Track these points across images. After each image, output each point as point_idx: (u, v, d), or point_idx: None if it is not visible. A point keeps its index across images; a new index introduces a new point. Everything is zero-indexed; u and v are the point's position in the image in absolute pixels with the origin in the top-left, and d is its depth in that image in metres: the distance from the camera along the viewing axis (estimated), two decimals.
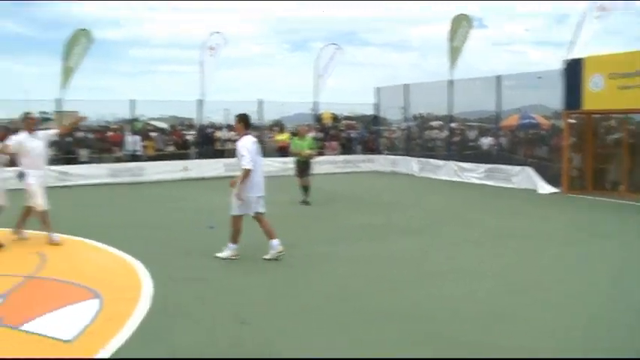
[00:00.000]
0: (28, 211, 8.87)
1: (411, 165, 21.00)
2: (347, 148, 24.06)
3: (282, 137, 22.27)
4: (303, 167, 13.45)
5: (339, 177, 20.32)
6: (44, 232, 8.69)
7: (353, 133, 25.03)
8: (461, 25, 20.45)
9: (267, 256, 7.74)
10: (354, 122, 26.90)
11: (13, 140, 8.63)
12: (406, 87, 21.89)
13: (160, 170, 19.17)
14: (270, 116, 25.22)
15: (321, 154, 22.68)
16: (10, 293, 6.25)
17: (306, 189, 13.30)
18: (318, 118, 24.69)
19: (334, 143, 23.96)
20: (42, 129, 9.26)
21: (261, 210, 7.87)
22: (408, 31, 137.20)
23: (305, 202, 13.12)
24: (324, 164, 21.58)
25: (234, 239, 7.84)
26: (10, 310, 5.66)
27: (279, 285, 6.69)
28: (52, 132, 9.37)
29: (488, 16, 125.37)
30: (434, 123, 22.98)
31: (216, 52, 21.11)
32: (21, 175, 8.59)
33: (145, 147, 19.96)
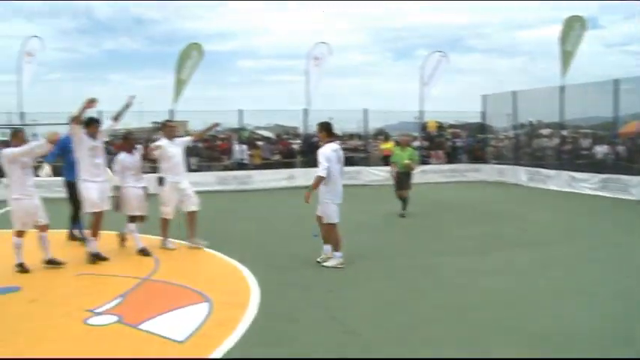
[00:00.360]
0: (192, 216, 9.11)
1: (519, 174, 20.24)
2: (452, 157, 23.60)
3: (387, 146, 22.17)
4: (403, 178, 12.85)
5: (445, 186, 19.96)
6: (161, 237, 9.06)
7: (459, 142, 24.54)
8: (573, 27, 19.56)
9: (326, 263, 7.92)
10: (459, 130, 26.38)
11: (156, 146, 8.90)
12: (514, 94, 21.18)
13: (266, 178, 19.65)
14: (374, 125, 25.22)
15: (425, 163, 22.42)
16: (128, 294, 6.61)
17: (404, 201, 12.76)
18: (423, 127, 24.39)
19: (440, 152, 23.59)
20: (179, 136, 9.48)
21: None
22: (516, 36, 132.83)
23: (401, 215, 12.55)
24: (429, 173, 21.30)
25: (337, 247, 7.89)
26: (128, 310, 5.97)
27: (385, 295, 6.62)
28: (189, 139, 9.63)
29: (601, 16, 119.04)
30: (543, 131, 22.09)
31: (322, 62, 21.44)
32: (161, 181, 8.89)
33: (251, 156, 20.52)
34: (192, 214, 9.06)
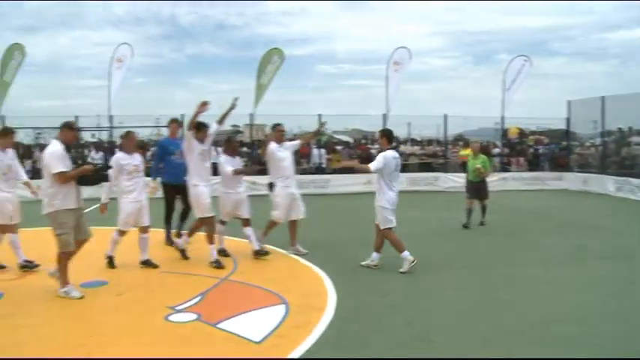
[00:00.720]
0: (294, 224, 9.15)
1: (606, 184, 19.32)
2: (534, 164, 22.91)
3: (466, 152, 21.76)
4: (475, 187, 12.19)
5: (526, 195, 19.36)
6: (260, 239, 8.93)
7: (541, 149, 23.79)
8: None
9: (363, 263, 8.11)
10: (542, 137, 25.57)
11: (268, 149, 8.87)
12: (602, 99, 20.26)
13: (343, 183, 19.67)
14: (453, 130, 24.82)
15: (506, 170, 21.86)
16: (207, 293, 6.77)
17: (469, 212, 12.02)
18: (504, 133, 23.80)
19: (521, 159, 22.96)
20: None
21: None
22: (606, 38, 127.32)
23: (465, 226, 11.80)
24: (510, 181, 20.80)
25: (401, 249, 7.93)
26: (207, 308, 6.12)
27: (463, 304, 6.48)
28: (298, 142, 9.57)
29: None
30: (634, 138, 21.12)
31: (401, 67, 21.27)
32: (271, 186, 8.88)
33: (329, 160, 20.61)
34: (296, 222, 9.08)
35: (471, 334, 5.46)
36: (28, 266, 7.94)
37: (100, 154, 21.27)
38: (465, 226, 11.75)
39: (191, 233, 8.61)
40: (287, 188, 8.87)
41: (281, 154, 8.83)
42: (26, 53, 20.07)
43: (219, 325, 5.55)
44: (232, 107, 8.41)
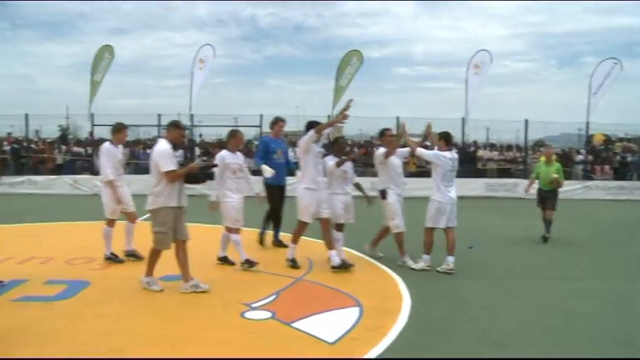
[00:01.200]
0: (386, 230, 8.91)
1: None
2: (621, 173, 21.91)
3: None
4: (547, 196, 11.25)
5: (611, 204, 18.55)
6: (401, 254, 8.60)
7: (629, 157, 22.73)
8: None
9: (439, 269, 8.01)
10: (631, 145, 24.44)
11: (381, 155, 8.55)
12: None
13: (420, 187, 19.34)
14: (533, 136, 24.10)
15: (589, 178, 21.00)
16: (281, 292, 6.83)
17: (548, 222, 11.11)
18: (588, 140, 22.90)
19: (606, 167, 22.03)
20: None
21: (451, 224, 8.19)
22: None
23: (544, 239, 10.90)
24: (593, 190, 20.02)
25: (428, 251, 8.09)
26: (282, 307, 6.16)
27: (543, 316, 6.22)
28: (407, 150, 8.83)
29: None
30: None
31: (482, 70, 20.79)
32: (383, 194, 8.60)
33: (406, 163, 20.38)
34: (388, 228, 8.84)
35: (548, 348, 5.26)
36: (112, 259, 8.30)
37: (180, 151, 21.88)
38: (544, 239, 10.86)
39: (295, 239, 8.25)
40: (399, 196, 8.68)
41: (393, 160, 8.59)
42: (115, 54, 20.92)
43: (293, 324, 5.58)
44: (346, 109, 7.98)
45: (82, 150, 23.13)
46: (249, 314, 5.93)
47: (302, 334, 5.36)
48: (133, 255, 8.43)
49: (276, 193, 9.45)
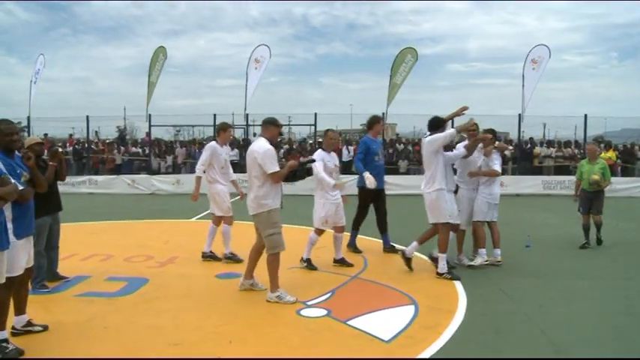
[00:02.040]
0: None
1: None
2: None
3: (608, 155, 20.43)
4: (591, 198, 9.85)
5: None
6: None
7: None
8: None
9: (474, 263, 8.01)
10: None
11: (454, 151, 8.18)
12: None
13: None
14: (592, 132, 23.39)
15: None
16: (337, 290, 6.85)
17: (587, 229, 9.85)
18: None
19: None
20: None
21: (494, 219, 8.22)
22: None
23: (583, 246, 9.67)
24: None
25: (482, 244, 8.02)
26: (337, 305, 6.18)
27: (600, 316, 6.05)
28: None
29: None
30: None
31: (539, 66, 20.21)
32: (456, 191, 8.24)
33: None
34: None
35: (606, 349, 5.11)
36: (232, 258, 8.37)
37: (235, 151, 22.21)
38: (584, 247, 9.64)
39: (422, 242, 7.90)
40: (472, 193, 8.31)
41: (479, 160, 8.24)
42: (168, 55, 21.34)
43: (348, 322, 5.59)
44: (457, 114, 8.03)
45: (139, 150, 23.72)
46: (305, 312, 5.97)
47: (357, 331, 5.36)
48: (231, 258, 8.37)
49: (369, 197, 8.84)
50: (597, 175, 9.60)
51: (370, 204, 9.00)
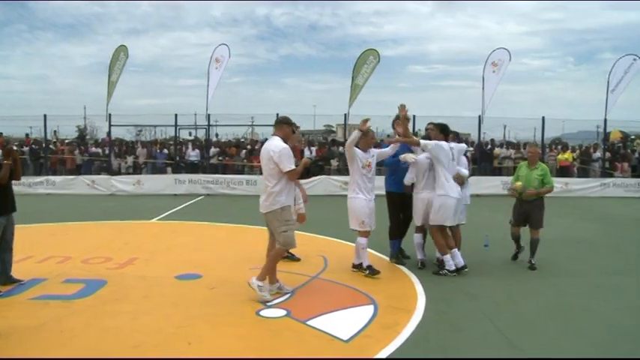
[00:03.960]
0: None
1: None
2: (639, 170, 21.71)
3: (565, 156, 20.96)
4: (523, 210, 8.48)
5: (629, 202, 18.35)
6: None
7: None
8: None
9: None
10: None
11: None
12: None
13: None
14: (550, 134, 23.91)
15: (609, 175, 20.78)
16: (297, 290, 6.86)
17: (517, 240, 8.69)
18: (606, 137, 22.67)
19: (624, 164, 21.82)
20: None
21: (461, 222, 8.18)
22: None
23: (515, 256, 8.73)
24: (611, 187, 19.84)
25: (444, 251, 7.84)
26: (297, 305, 6.19)
27: (555, 313, 6.20)
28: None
29: None
30: None
31: (500, 68, 20.56)
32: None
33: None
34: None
35: (561, 345, 5.24)
36: (291, 258, 8.29)
37: (196, 151, 22.06)
38: (515, 257, 8.75)
39: None
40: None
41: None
42: (129, 54, 21.06)
43: (308, 322, 5.61)
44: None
45: (99, 150, 23.35)
46: (265, 312, 5.97)
47: (317, 331, 5.38)
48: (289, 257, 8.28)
49: (397, 202, 8.42)
50: (531, 188, 8.26)
51: (399, 207, 8.43)
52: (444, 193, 7.65)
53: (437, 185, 7.73)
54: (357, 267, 7.81)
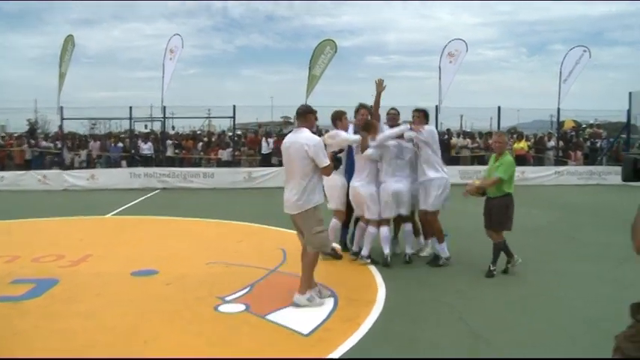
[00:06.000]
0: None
1: None
2: (591, 158, 22.23)
3: (520, 145, 21.30)
4: (486, 208, 7.46)
5: (582, 189, 18.81)
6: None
7: (599, 142, 23.05)
8: None
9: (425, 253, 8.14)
10: (600, 131, 24.79)
11: None
12: None
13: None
14: (506, 123, 24.29)
15: (563, 163, 21.23)
16: (256, 284, 6.78)
17: (495, 247, 7.45)
18: (560, 126, 23.14)
19: (578, 153, 22.32)
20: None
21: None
22: None
23: (490, 274, 7.28)
24: (565, 175, 20.28)
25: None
26: (256, 300, 6.12)
27: (516, 300, 6.28)
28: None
29: None
30: None
31: (457, 59, 20.71)
32: None
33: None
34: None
35: (522, 331, 5.30)
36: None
37: (149, 144, 21.65)
38: (490, 274, 7.34)
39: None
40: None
41: None
42: (76, 44, 20.52)
43: (267, 317, 5.54)
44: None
45: (51, 144, 22.74)
46: (223, 307, 5.88)
47: (276, 326, 5.32)
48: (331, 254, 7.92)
49: None
50: (483, 180, 7.55)
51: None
52: (442, 175, 7.81)
53: (429, 169, 7.77)
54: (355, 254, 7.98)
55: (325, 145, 6.24)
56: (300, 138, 5.90)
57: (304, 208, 5.90)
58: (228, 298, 6.15)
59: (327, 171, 5.97)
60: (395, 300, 6.18)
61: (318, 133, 9.42)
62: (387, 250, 7.70)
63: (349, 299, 6.18)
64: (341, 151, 7.18)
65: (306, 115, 6.09)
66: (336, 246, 8.20)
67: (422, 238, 8.39)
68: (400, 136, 7.75)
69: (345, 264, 7.81)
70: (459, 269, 7.59)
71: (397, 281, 6.91)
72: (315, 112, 6.30)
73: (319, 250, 6.16)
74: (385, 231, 7.72)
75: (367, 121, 7.66)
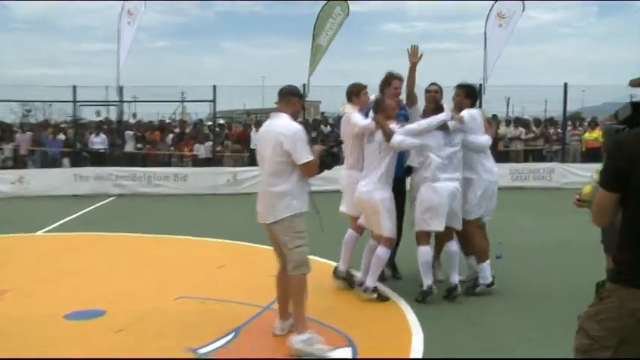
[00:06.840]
0: None
1: None
2: None
3: (594, 135, 20.77)
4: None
5: None
6: None
7: None
8: None
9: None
10: None
11: None
12: None
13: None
14: (568, 106, 23.83)
15: None
16: (242, 328, 6.39)
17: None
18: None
19: None
20: None
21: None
22: None
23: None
24: None
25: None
26: (243, 351, 5.79)
27: None
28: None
29: None
30: None
31: (508, 22, 20.11)
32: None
33: None
34: None
35: None
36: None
37: (102, 136, 21.31)
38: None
39: None
40: None
41: None
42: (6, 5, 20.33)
43: None
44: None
45: None
46: None
47: None
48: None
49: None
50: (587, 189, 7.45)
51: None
52: (491, 178, 7.76)
53: (471, 168, 7.64)
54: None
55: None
56: (276, 125, 5.84)
57: (278, 217, 5.74)
58: (202, 351, 5.75)
59: (308, 170, 5.76)
60: (437, 351, 5.79)
61: (324, 121, 9.08)
62: (428, 281, 7.24)
63: (373, 348, 5.85)
64: (339, 143, 6.97)
65: (288, 98, 6.01)
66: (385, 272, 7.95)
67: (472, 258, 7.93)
68: (443, 127, 7.30)
69: (366, 300, 7.35)
70: (516, 306, 7.20)
71: (440, 324, 6.55)
72: (302, 96, 5.99)
73: (299, 272, 5.82)
74: (426, 253, 7.27)
75: (378, 98, 7.52)
